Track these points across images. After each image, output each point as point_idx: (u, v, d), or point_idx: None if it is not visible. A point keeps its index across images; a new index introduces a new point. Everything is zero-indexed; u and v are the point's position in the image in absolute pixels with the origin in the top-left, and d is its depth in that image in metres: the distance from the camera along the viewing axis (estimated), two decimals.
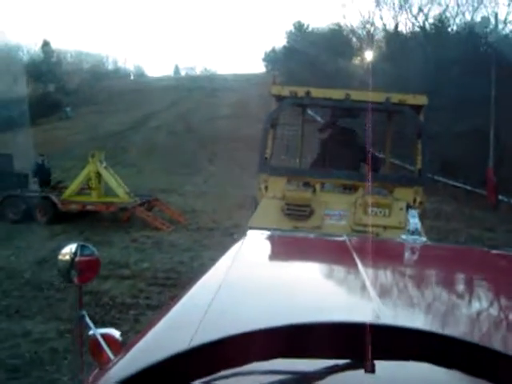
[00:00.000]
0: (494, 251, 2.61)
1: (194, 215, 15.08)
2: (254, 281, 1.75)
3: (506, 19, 26.72)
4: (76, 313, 1.95)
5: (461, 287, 1.98)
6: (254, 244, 2.43)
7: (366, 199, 6.77)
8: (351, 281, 1.84)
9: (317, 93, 7.33)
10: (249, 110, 32.63)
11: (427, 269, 2.23)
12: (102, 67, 69.38)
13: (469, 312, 1.56)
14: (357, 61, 35.12)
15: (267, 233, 2.70)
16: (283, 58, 49.06)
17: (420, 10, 31.54)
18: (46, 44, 55.07)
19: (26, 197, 14.38)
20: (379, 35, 35.44)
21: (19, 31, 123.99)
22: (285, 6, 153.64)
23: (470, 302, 1.70)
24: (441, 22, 30.41)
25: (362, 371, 0.86)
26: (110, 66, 75.47)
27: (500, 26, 24.93)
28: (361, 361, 0.86)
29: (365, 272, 1.73)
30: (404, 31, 33.30)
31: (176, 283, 8.16)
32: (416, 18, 31.77)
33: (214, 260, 1.96)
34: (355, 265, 1.83)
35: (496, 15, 24.52)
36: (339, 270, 2.06)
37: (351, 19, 49.66)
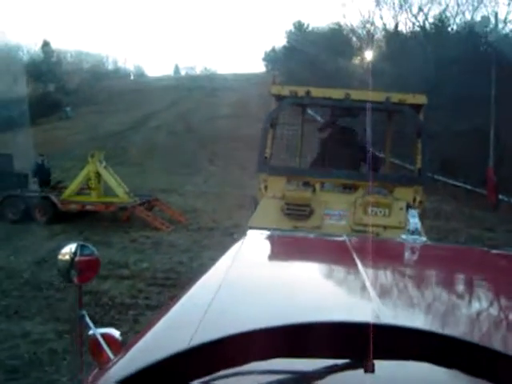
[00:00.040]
0: (494, 251, 2.61)
1: (194, 215, 15.06)
2: (254, 281, 1.75)
3: (506, 18, 26.70)
4: (76, 312, 1.93)
5: (460, 287, 1.99)
6: (254, 244, 2.43)
7: (365, 199, 6.77)
8: (351, 281, 1.84)
9: (316, 92, 7.33)
10: (249, 109, 32.59)
11: (427, 269, 2.23)
12: (101, 67, 69.37)
13: (468, 312, 1.56)
14: (357, 60, 35.06)
15: (267, 233, 2.70)
16: (283, 57, 49.04)
17: (420, 9, 31.55)
18: (46, 44, 55.05)
19: (25, 197, 14.35)
20: (379, 35, 35.42)
21: (19, 31, 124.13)
22: (285, 5, 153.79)
23: (469, 301, 1.70)
24: (441, 22, 30.38)
25: (361, 371, 0.86)
26: (110, 66, 75.56)
27: (500, 26, 24.95)
28: (360, 361, 0.86)
29: (364, 272, 1.73)
30: (404, 31, 33.28)
31: (175, 283, 8.14)
32: (416, 18, 31.78)
33: (213, 260, 1.97)
34: (355, 265, 1.83)
35: (496, 14, 24.51)
36: (339, 270, 2.06)
37: (351, 19, 49.77)
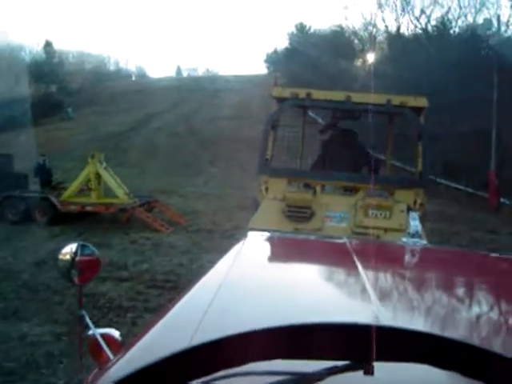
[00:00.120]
0: (494, 254, 2.64)
1: (194, 216, 15.02)
2: (254, 282, 1.77)
3: (508, 21, 26.72)
4: (77, 312, 1.94)
5: (460, 290, 1.99)
6: (255, 245, 2.45)
7: (366, 201, 6.73)
8: (351, 283, 1.85)
9: (318, 94, 7.31)
10: (250, 111, 32.65)
11: (427, 272, 2.24)
12: (103, 68, 69.37)
13: (468, 315, 1.57)
14: (359, 63, 35.06)
15: (267, 234, 2.70)
16: (285, 59, 48.99)
17: (422, 11, 31.59)
18: (48, 44, 55.08)
19: (25, 197, 14.33)
20: (381, 37, 35.44)
21: (21, 31, 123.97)
22: (287, 7, 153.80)
23: (469, 304, 1.71)
24: (443, 24, 30.40)
25: (361, 373, 0.86)
26: (112, 67, 75.41)
27: (502, 28, 24.92)
28: (360, 362, 0.87)
29: (365, 274, 1.74)
30: (406, 33, 33.33)
31: (175, 286, 8.09)
32: (418, 20, 31.83)
33: (213, 262, 1.96)
34: (355, 267, 1.84)
35: (498, 17, 24.43)
36: (339, 272, 2.08)
37: (353, 21, 49.50)
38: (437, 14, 32.20)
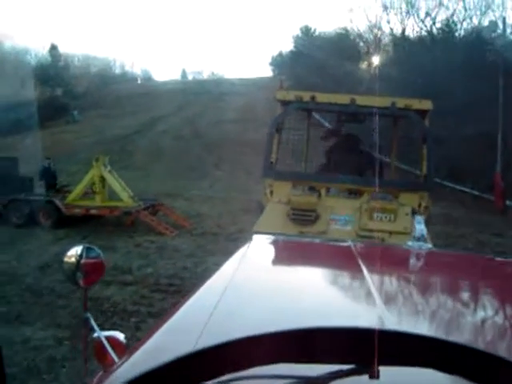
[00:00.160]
0: (499, 258, 2.64)
1: (199, 220, 15.00)
2: (259, 285, 1.78)
3: None
4: (81, 316, 1.97)
5: (465, 294, 1.98)
6: (260, 248, 2.46)
7: (371, 204, 6.73)
8: (356, 286, 1.84)
9: (322, 97, 7.32)
10: (256, 114, 32.62)
11: (432, 276, 2.23)
12: (109, 71, 69.52)
13: (473, 319, 1.56)
14: (364, 65, 35.00)
15: (273, 237, 2.72)
16: (290, 62, 48.93)
17: (427, 14, 31.52)
18: (53, 48, 55.18)
19: (29, 201, 14.35)
20: (386, 39, 35.36)
21: (27, 35, 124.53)
22: (292, 10, 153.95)
23: (474, 309, 1.70)
24: (448, 27, 30.33)
25: (366, 377, 0.86)
26: (118, 70, 75.64)
27: (508, 31, 24.83)
28: (365, 366, 0.86)
29: (370, 278, 1.74)
30: (411, 36, 33.23)
31: (179, 289, 8.07)
32: (423, 23, 31.76)
33: (218, 266, 1.96)
34: (360, 271, 1.84)
35: (504, 19, 24.36)
36: (344, 276, 2.08)
37: (358, 23, 49.46)
38: (442, 16, 32.08)
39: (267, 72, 70.85)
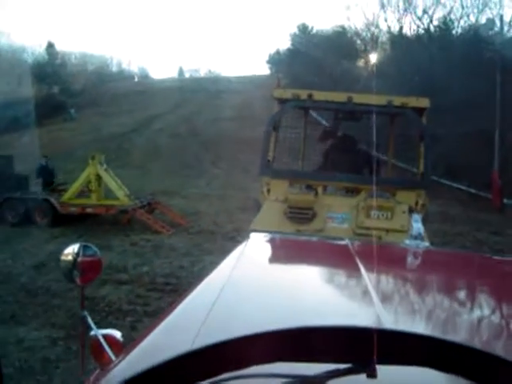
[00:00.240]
0: (496, 257, 2.69)
1: (195, 218, 14.97)
2: (257, 283, 1.79)
3: (511, 21, 26.56)
4: (77, 315, 1.96)
5: (463, 293, 2.00)
6: (257, 247, 2.47)
7: (368, 202, 6.73)
8: (353, 285, 1.86)
9: (319, 96, 7.31)
10: (253, 112, 32.58)
11: (429, 274, 2.24)
12: (106, 69, 69.36)
13: (471, 318, 1.57)
14: (361, 63, 34.98)
15: (270, 236, 2.74)
16: (287, 60, 48.93)
17: (425, 12, 31.50)
18: (50, 46, 55.08)
19: (25, 199, 14.27)
20: (383, 37, 35.35)
21: (24, 33, 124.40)
22: (289, 8, 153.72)
23: (471, 307, 1.71)
24: (445, 25, 30.35)
25: (364, 376, 0.86)
26: (115, 68, 75.41)
27: (505, 28, 24.81)
28: (363, 365, 0.86)
29: (367, 276, 1.75)
30: (408, 33, 33.24)
31: (175, 289, 8.04)
32: (421, 20, 31.74)
33: (215, 264, 1.95)
34: (357, 269, 1.85)
35: (501, 17, 24.36)
36: (341, 274, 2.10)
37: (355, 21, 49.66)
38: (439, 14, 32.20)
39: (264, 70, 71.10)
